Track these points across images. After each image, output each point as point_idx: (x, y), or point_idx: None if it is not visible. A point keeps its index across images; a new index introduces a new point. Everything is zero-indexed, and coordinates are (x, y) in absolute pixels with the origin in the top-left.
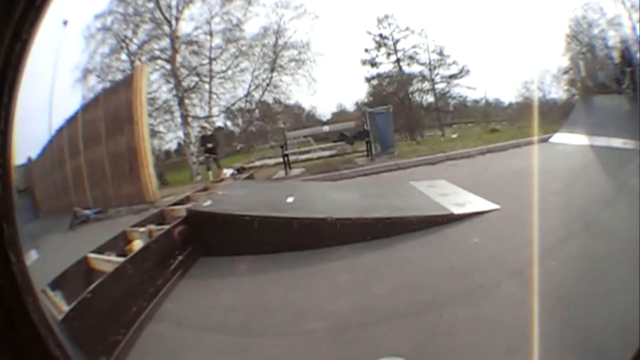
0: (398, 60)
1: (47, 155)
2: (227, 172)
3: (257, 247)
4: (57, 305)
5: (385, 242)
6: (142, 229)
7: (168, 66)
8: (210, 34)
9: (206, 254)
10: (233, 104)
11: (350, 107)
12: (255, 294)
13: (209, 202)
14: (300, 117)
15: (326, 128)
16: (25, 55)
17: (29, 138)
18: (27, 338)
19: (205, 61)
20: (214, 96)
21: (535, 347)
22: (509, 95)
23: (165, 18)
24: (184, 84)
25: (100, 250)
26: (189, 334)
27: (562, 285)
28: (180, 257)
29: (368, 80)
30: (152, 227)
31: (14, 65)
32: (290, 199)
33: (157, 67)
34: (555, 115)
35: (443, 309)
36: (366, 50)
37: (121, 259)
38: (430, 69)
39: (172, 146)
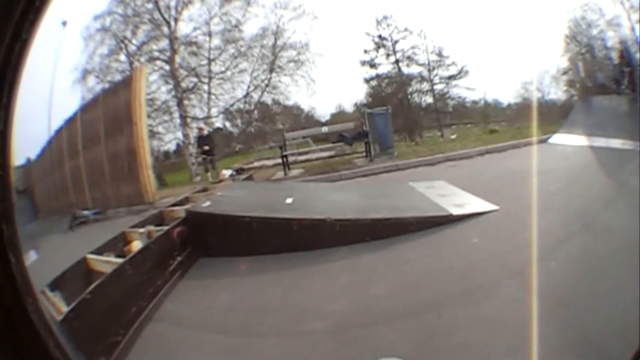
0: (397, 61)
1: (47, 155)
2: (226, 173)
3: (256, 247)
4: (56, 306)
5: (384, 243)
6: (141, 230)
7: (167, 67)
8: (209, 34)
9: (205, 255)
10: (232, 105)
11: (349, 108)
12: (255, 295)
13: (208, 203)
14: (299, 118)
15: (325, 129)
16: (25, 55)
17: (29, 138)
18: (26, 339)
19: (204, 62)
20: (212, 97)
21: (535, 348)
22: (508, 96)
23: (164, 19)
24: (183, 84)
25: (99, 251)
26: (188, 334)
27: (561, 286)
28: (179, 258)
29: (367, 81)
30: (151, 227)
31: (13, 65)
32: (289, 200)
33: (156, 68)
34: (554, 115)
35: (443, 310)
36: (365, 51)
37: (120, 260)
38: (429, 70)
39: (171, 147)
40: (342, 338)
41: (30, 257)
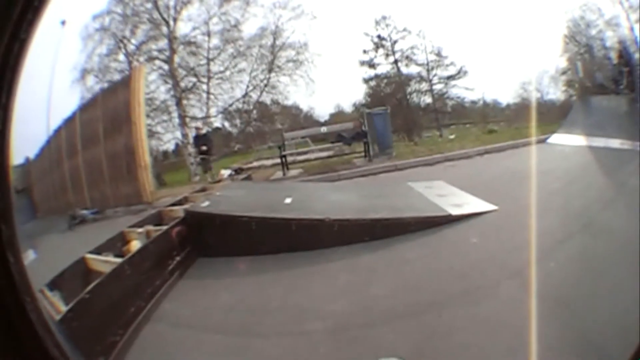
0: (396, 61)
1: (45, 155)
2: (225, 172)
3: (255, 247)
4: (55, 306)
5: (383, 243)
6: (140, 230)
7: (166, 67)
8: (208, 34)
9: (204, 255)
10: (231, 105)
11: (348, 108)
12: (254, 295)
13: (206, 203)
14: (298, 118)
15: (324, 129)
16: (24, 55)
17: (27, 138)
18: (25, 338)
19: (203, 62)
20: (211, 97)
21: (534, 348)
22: (506, 96)
23: (163, 18)
24: (182, 84)
25: (98, 251)
26: (187, 334)
27: (561, 286)
28: (178, 258)
29: (366, 81)
30: (150, 227)
31: (12, 65)
32: (288, 200)
33: (155, 67)
34: (553, 115)
35: (442, 310)
36: (364, 51)
37: (119, 260)
38: (428, 70)
39: (170, 147)
40: (341, 338)
41: (29, 257)
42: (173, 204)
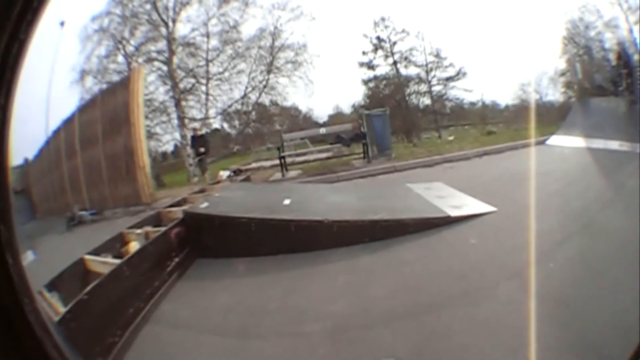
0: (395, 63)
1: (44, 156)
2: (224, 174)
3: (254, 249)
4: (53, 307)
5: (382, 244)
6: (138, 231)
7: (165, 68)
8: (207, 35)
9: (203, 256)
10: (230, 106)
11: (347, 109)
12: (253, 296)
13: (205, 204)
14: (297, 119)
15: (323, 130)
16: (23, 55)
17: (26, 139)
18: (24, 339)
19: (202, 63)
20: (210, 98)
21: (534, 348)
22: (505, 97)
23: (162, 20)
24: (181, 85)
25: (96, 252)
26: (186, 335)
27: (560, 286)
28: (177, 259)
29: (365, 82)
30: (149, 228)
31: (11, 65)
32: (287, 201)
33: (154, 68)
34: (552, 117)
35: (441, 311)
36: (363, 53)
37: (118, 261)
38: (427, 71)
39: (169, 148)
40: (340, 339)
41: (28, 258)
42: (172, 205)
